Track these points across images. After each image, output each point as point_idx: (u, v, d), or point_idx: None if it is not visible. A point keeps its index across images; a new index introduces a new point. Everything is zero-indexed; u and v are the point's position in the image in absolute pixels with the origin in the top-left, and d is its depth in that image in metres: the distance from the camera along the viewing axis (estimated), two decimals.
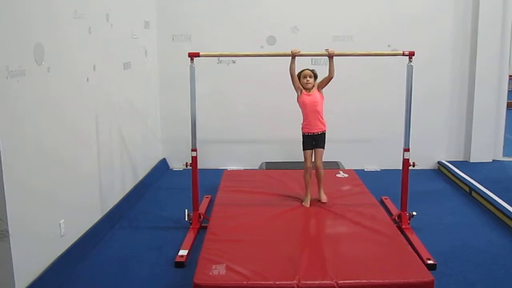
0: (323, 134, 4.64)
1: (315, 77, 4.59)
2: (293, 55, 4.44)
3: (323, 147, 4.69)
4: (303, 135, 4.68)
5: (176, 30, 6.62)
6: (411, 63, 4.48)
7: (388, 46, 6.37)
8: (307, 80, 4.53)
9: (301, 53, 4.47)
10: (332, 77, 4.49)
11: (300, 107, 4.61)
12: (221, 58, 6.56)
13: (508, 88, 7.05)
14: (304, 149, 4.69)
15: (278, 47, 6.40)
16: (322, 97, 4.58)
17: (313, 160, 4.72)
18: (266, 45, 6.52)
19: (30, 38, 3.34)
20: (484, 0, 6.41)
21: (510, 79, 7.15)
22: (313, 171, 4.75)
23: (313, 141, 4.65)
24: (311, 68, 4.63)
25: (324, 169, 6.08)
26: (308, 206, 4.64)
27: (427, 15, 6.53)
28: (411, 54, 4.45)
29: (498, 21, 6.49)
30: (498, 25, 6.50)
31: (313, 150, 4.68)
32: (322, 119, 4.61)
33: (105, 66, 4.71)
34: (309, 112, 4.58)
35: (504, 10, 6.49)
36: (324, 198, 4.73)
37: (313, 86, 4.57)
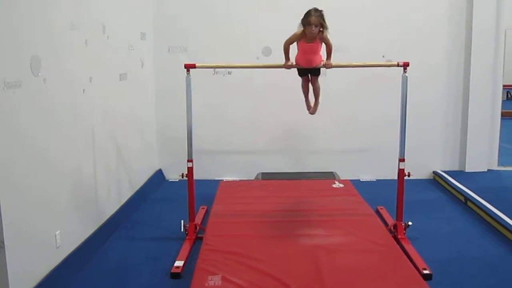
0: (318, 67, 4.42)
1: (322, 26, 4.13)
2: (288, 68, 4.44)
3: (318, 74, 4.51)
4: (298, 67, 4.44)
5: (172, 42, 6.65)
6: (406, 74, 4.52)
7: (383, 56, 6.42)
8: (312, 30, 4.09)
9: (296, 64, 4.46)
10: (331, 46, 4.29)
11: (298, 48, 4.35)
12: (217, 69, 6.59)
13: (502, 97, 7.09)
14: (300, 75, 4.53)
15: (273, 58, 6.42)
16: (321, 47, 4.29)
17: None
18: (261, 56, 6.54)
19: (26, 50, 3.36)
20: (478, 12, 6.47)
21: (504, 88, 7.18)
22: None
23: (308, 71, 4.47)
24: (318, 11, 4.12)
25: (319, 179, 6.12)
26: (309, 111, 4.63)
27: (422, 27, 6.58)
28: (405, 65, 4.48)
29: (492, 31, 6.54)
30: (492, 36, 6.55)
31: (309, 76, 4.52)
32: (319, 59, 4.34)
33: (102, 78, 4.73)
34: (306, 58, 4.32)
35: (497, 21, 6.55)
36: (314, 111, 4.60)
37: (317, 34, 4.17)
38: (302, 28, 4.18)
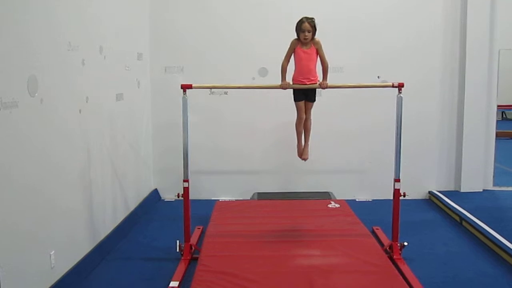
0: (314, 88, 4.55)
1: (314, 30, 4.40)
2: (284, 88, 4.50)
3: (314, 100, 4.61)
4: (294, 89, 4.55)
5: (169, 62, 6.69)
6: (401, 95, 4.55)
7: (378, 77, 6.47)
8: (305, 36, 4.37)
9: (291, 85, 4.51)
10: (327, 64, 4.50)
11: (295, 60, 4.50)
12: (213, 90, 6.61)
13: (497, 117, 7.13)
14: (295, 100, 4.59)
15: (269, 78, 6.47)
16: (317, 54, 4.46)
17: None
18: (257, 77, 6.59)
19: (24, 70, 3.38)
20: (471, 32, 6.54)
21: (498, 108, 7.23)
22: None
23: (304, 93, 4.56)
24: (309, 18, 4.41)
25: (315, 199, 6.11)
26: (300, 157, 4.72)
27: (416, 48, 6.65)
28: (400, 86, 4.52)
29: (485, 51, 6.60)
30: (486, 56, 6.61)
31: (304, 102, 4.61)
32: (315, 72, 4.50)
33: (98, 98, 4.75)
34: (303, 65, 4.45)
35: (491, 41, 6.62)
36: (306, 154, 4.71)
37: (311, 39, 4.41)
38: (295, 37, 4.45)
